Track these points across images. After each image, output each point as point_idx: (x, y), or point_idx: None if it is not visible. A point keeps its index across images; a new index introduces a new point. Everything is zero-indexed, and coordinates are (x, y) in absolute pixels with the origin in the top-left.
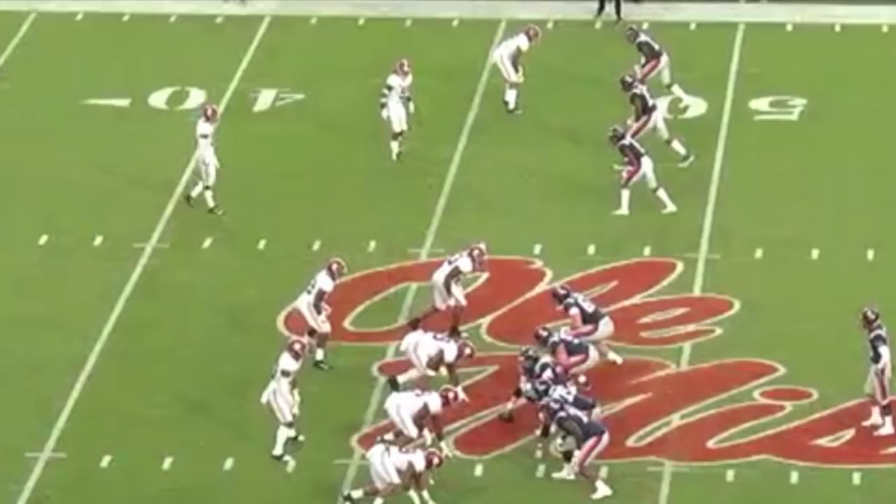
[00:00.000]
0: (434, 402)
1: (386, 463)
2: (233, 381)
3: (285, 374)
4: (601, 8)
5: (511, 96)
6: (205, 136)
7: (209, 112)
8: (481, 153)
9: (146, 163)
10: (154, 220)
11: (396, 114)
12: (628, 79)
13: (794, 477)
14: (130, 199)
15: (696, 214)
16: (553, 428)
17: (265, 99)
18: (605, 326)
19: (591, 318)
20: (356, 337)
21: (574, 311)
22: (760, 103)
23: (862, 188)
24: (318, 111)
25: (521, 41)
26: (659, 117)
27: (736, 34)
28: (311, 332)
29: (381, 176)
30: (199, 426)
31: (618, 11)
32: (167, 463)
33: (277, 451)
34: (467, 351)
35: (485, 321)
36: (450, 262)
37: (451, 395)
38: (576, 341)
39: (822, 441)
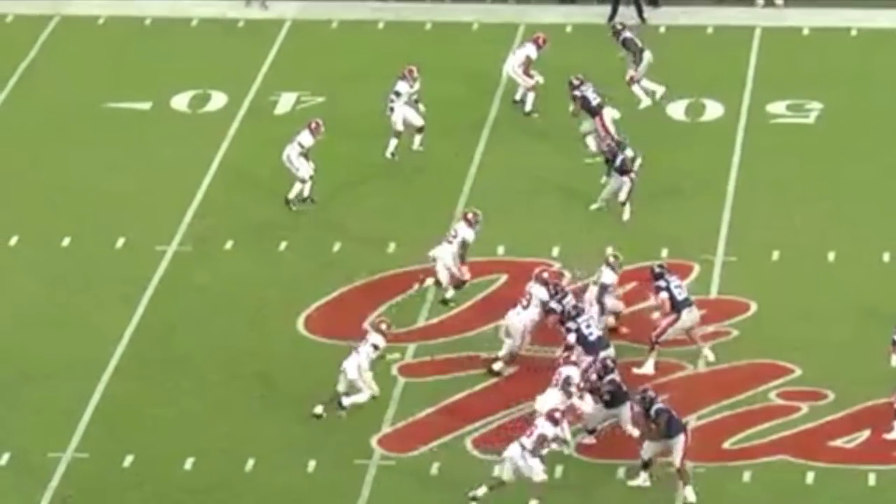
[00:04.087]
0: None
1: (530, 461)
2: (253, 382)
3: (376, 347)
4: (613, 13)
5: (529, 99)
6: (302, 146)
7: (313, 125)
8: (500, 156)
9: (168, 166)
10: (176, 222)
11: (401, 115)
12: (575, 81)
13: (810, 478)
14: (152, 202)
15: (713, 217)
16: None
17: (286, 102)
18: (689, 314)
19: (678, 306)
20: None
21: (663, 295)
22: (777, 107)
23: (878, 191)
24: (338, 114)
25: (530, 50)
26: (608, 114)
27: (753, 38)
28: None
29: (400, 178)
30: (221, 427)
31: (640, 14)
32: (189, 463)
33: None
34: None
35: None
36: (452, 238)
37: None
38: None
39: (838, 442)
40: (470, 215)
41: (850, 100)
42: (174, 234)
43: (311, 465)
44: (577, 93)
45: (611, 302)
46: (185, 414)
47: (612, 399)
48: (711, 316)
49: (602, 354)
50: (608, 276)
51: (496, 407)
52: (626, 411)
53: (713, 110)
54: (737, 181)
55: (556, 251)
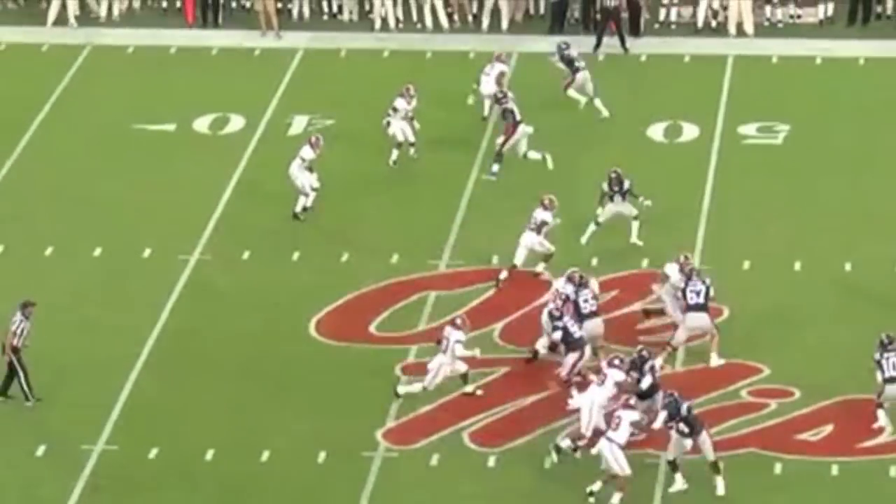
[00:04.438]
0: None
1: (618, 456)
2: (269, 381)
3: (459, 342)
4: (598, 43)
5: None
6: (303, 160)
7: (313, 140)
8: (495, 181)
9: (191, 182)
10: (198, 233)
11: (399, 128)
12: (499, 94)
13: (778, 468)
14: (176, 215)
15: (689, 229)
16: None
17: (299, 124)
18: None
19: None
20: (381, 340)
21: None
22: (748, 129)
23: (840, 206)
24: (346, 135)
25: (502, 67)
26: (522, 131)
27: (725, 66)
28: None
29: (403, 194)
30: (239, 421)
31: (623, 44)
32: (209, 454)
33: (401, 389)
34: None
35: (497, 326)
36: (533, 224)
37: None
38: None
39: (804, 436)
40: (546, 201)
41: (814, 122)
42: (196, 245)
43: (322, 456)
44: (506, 105)
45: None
46: (206, 409)
47: (692, 429)
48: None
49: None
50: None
51: (491, 404)
52: (705, 439)
53: (689, 132)
54: (711, 197)
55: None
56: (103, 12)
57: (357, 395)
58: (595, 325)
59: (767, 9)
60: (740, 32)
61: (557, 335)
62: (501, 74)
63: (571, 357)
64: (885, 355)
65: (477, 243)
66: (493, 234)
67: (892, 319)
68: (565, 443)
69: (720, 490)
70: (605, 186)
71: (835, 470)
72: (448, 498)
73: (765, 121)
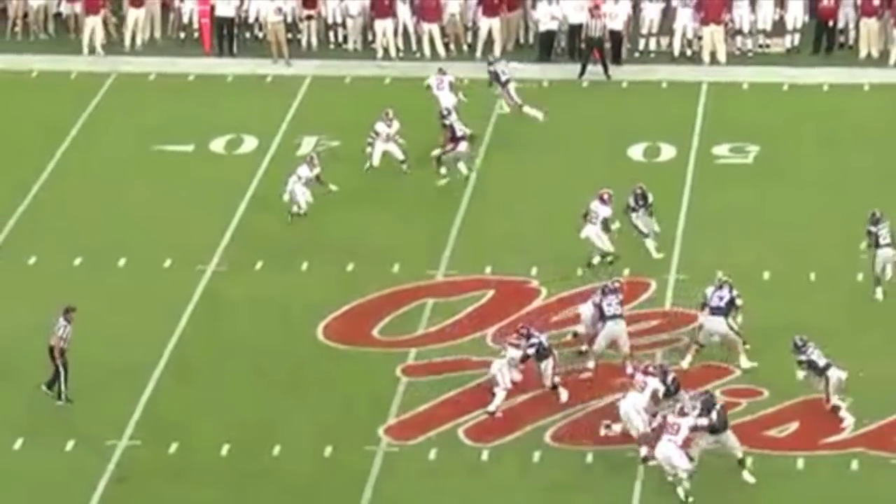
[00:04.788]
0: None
1: (680, 458)
2: (279, 381)
3: (513, 358)
4: (583, 70)
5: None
6: (300, 178)
7: (309, 159)
8: (488, 192)
9: (207, 198)
10: (214, 246)
11: (380, 151)
12: (444, 111)
13: (748, 462)
14: (194, 229)
15: (666, 242)
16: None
17: (307, 144)
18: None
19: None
20: (383, 343)
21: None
22: (721, 149)
23: (805, 220)
24: (350, 155)
25: (449, 78)
26: (463, 146)
27: (700, 91)
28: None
29: (405, 209)
30: (251, 419)
31: (605, 71)
32: (224, 449)
33: (491, 408)
34: None
35: (490, 331)
36: (594, 218)
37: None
38: None
39: (772, 432)
40: (605, 195)
41: (781, 143)
42: (212, 256)
43: (328, 450)
44: (446, 122)
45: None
46: (221, 407)
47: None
48: (665, 326)
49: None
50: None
51: (484, 403)
52: (730, 437)
53: (667, 152)
54: (687, 211)
55: (534, 271)
56: (127, 42)
57: (361, 395)
58: (614, 326)
59: (738, 39)
60: (713, 61)
61: (531, 350)
62: (450, 85)
63: (548, 364)
64: (798, 357)
65: (472, 255)
66: (486, 246)
67: (852, 326)
68: (643, 451)
69: (750, 480)
70: (631, 201)
71: (800, 464)
72: (444, 489)
73: (736, 142)
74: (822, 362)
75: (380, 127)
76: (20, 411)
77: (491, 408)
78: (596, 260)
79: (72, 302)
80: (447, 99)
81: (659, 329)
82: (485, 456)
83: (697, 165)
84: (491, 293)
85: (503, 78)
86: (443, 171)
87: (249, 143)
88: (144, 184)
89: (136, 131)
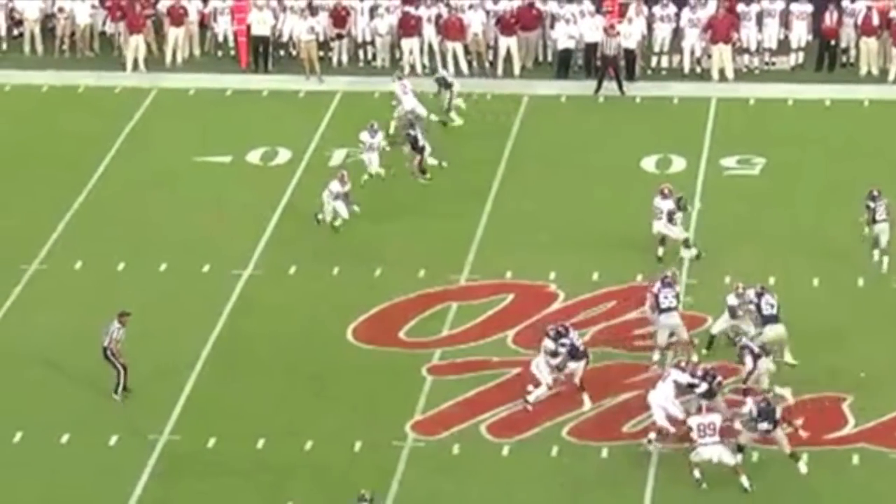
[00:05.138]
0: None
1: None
2: (311, 380)
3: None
4: (599, 86)
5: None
6: (331, 193)
7: (339, 176)
8: (509, 201)
9: (244, 207)
10: (250, 252)
11: (368, 158)
12: (410, 117)
13: (755, 456)
14: (231, 236)
15: (677, 246)
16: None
17: (338, 156)
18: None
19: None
20: (409, 345)
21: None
22: (729, 161)
23: (809, 228)
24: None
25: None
26: (426, 155)
27: (710, 106)
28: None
29: (429, 217)
30: (285, 415)
31: (620, 88)
32: (260, 443)
33: (531, 398)
34: None
35: (511, 332)
36: (660, 214)
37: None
38: None
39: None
40: (665, 190)
41: (786, 156)
42: (248, 261)
43: (357, 445)
44: (409, 132)
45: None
46: (257, 404)
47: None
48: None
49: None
50: (669, 204)
51: (504, 400)
52: (780, 433)
53: (678, 164)
54: (697, 220)
55: (552, 275)
56: (168, 59)
57: (388, 393)
58: (669, 318)
59: (745, 57)
60: (722, 77)
61: (563, 349)
62: (413, 91)
63: (580, 366)
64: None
65: (493, 261)
66: (507, 252)
67: (853, 327)
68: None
69: (803, 470)
70: (674, 206)
71: (805, 458)
72: (467, 482)
73: (743, 154)
74: (756, 350)
75: (363, 136)
76: (67, 407)
77: (530, 398)
78: (687, 254)
79: (115, 304)
80: (410, 103)
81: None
82: (505, 451)
83: (707, 177)
84: (511, 297)
85: (450, 80)
86: (425, 177)
87: (283, 155)
88: (184, 193)
89: (176, 143)
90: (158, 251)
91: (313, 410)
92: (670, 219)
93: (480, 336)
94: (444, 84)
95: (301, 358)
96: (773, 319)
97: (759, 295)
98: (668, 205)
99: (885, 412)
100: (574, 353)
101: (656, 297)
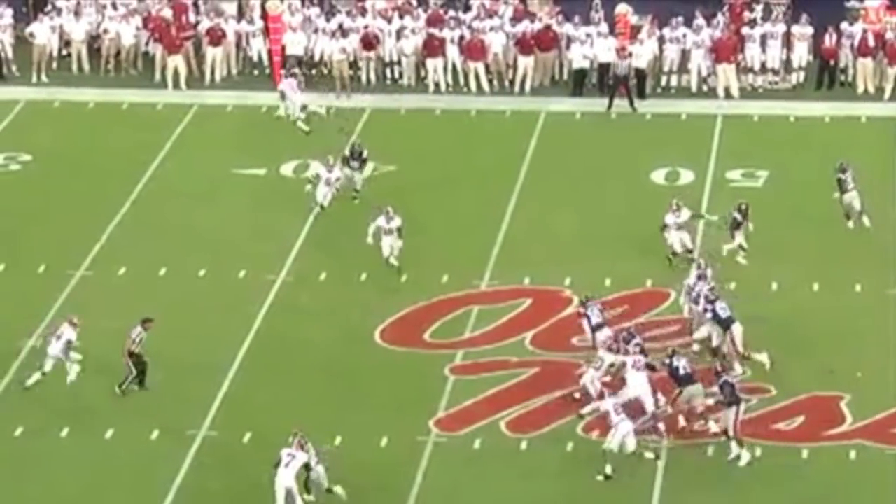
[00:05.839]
0: None
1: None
2: (341, 379)
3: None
4: (610, 104)
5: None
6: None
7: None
8: (526, 211)
9: (277, 216)
10: (283, 258)
11: (322, 193)
12: (358, 148)
13: (758, 452)
14: (266, 243)
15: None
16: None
17: (366, 169)
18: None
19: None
20: (433, 346)
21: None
22: (734, 174)
23: (810, 237)
24: (405, 179)
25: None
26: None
27: (716, 122)
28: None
29: (452, 228)
30: (316, 412)
31: (631, 104)
32: (291, 439)
33: (586, 410)
34: None
35: (528, 335)
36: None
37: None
38: None
39: (779, 426)
40: (674, 205)
41: (788, 169)
42: (282, 268)
43: (384, 441)
44: (355, 148)
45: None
46: (289, 402)
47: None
48: (684, 331)
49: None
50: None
51: (522, 398)
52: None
53: (686, 176)
54: (704, 227)
55: (567, 281)
56: (207, 78)
57: (413, 391)
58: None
59: (750, 76)
60: (727, 95)
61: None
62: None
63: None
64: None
65: (511, 268)
66: (525, 260)
67: (851, 330)
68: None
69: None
70: (738, 216)
71: (805, 454)
72: (487, 475)
73: (748, 167)
74: (724, 314)
75: (321, 170)
76: (110, 405)
77: (584, 410)
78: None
79: (156, 307)
80: (300, 98)
81: (677, 334)
82: (523, 446)
83: (713, 188)
84: (529, 301)
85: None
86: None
87: (315, 168)
88: (222, 203)
89: (214, 156)
90: (197, 257)
91: (343, 408)
92: (691, 220)
93: (500, 338)
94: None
95: (331, 358)
96: (731, 321)
97: (712, 302)
98: (672, 219)
99: (880, 410)
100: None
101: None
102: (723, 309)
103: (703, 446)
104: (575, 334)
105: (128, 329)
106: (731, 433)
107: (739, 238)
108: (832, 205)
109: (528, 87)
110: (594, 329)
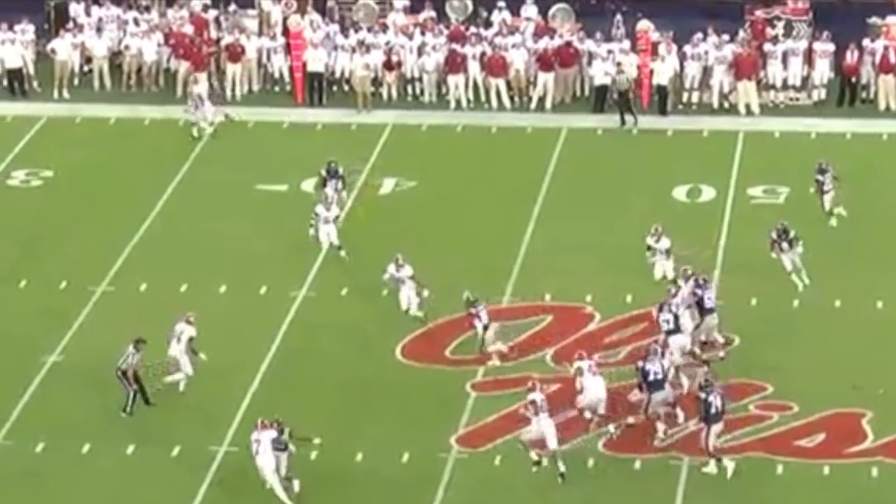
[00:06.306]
0: None
1: None
2: (362, 395)
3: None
4: (623, 121)
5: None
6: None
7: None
8: (547, 227)
9: (299, 232)
10: (305, 274)
11: (325, 232)
12: (332, 163)
13: (780, 469)
14: (288, 260)
15: (707, 271)
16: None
17: (388, 185)
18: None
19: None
20: (454, 362)
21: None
22: (755, 190)
23: (831, 253)
24: (426, 195)
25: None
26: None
27: (737, 139)
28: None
29: (473, 243)
30: (337, 427)
31: (623, 121)
32: (313, 455)
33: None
34: None
35: (550, 351)
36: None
37: None
38: None
39: (801, 442)
40: (653, 229)
41: (809, 186)
42: (303, 284)
43: (405, 456)
44: (331, 166)
45: None
46: (311, 418)
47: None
48: (707, 348)
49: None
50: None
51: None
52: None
53: (707, 193)
54: (725, 245)
55: (589, 297)
56: (228, 94)
57: (434, 407)
58: (713, 320)
59: (771, 93)
60: (748, 112)
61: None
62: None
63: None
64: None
65: (533, 286)
66: (546, 277)
67: (873, 347)
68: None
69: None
70: (774, 235)
71: (826, 470)
72: (507, 490)
73: (769, 184)
74: (708, 304)
75: (319, 209)
76: (132, 421)
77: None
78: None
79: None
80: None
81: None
82: (545, 462)
83: (734, 205)
84: (550, 318)
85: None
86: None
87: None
88: (243, 219)
89: (236, 172)
90: (219, 274)
91: (364, 423)
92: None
93: (521, 354)
94: (201, 100)
95: (352, 374)
96: (711, 312)
97: (701, 287)
98: (651, 243)
99: None
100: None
101: (701, 298)
102: (709, 299)
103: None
104: (597, 350)
105: (156, 342)
106: (708, 449)
107: (785, 260)
108: (852, 222)
109: (548, 104)
110: (485, 328)
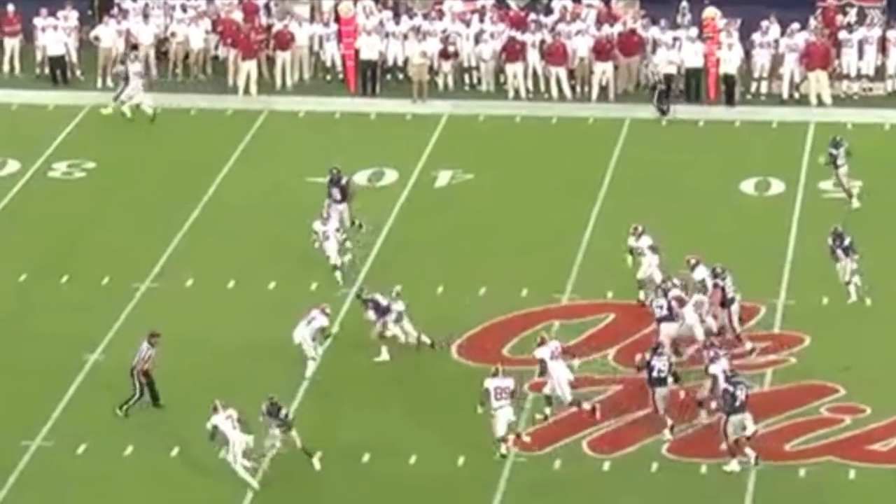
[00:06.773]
0: None
1: None
2: (418, 395)
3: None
4: (664, 113)
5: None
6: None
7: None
8: (610, 222)
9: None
10: (356, 271)
11: (328, 248)
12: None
13: (852, 474)
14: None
15: (776, 268)
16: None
17: (444, 178)
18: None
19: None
20: (512, 361)
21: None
22: (827, 184)
23: None
24: (483, 188)
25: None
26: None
27: (808, 131)
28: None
29: (532, 239)
30: (391, 429)
31: (662, 109)
32: (366, 457)
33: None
34: None
35: (612, 351)
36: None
37: None
38: None
39: (875, 447)
40: (631, 228)
41: (883, 178)
42: (356, 280)
43: (461, 460)
44: (334, 174)
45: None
46: (363, 419)
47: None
48: (774, 347)
49: None
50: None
51: (605, 417)
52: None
53: (777, 187)
54: (795, 240)
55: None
56: (278, 83)
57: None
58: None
59: (844, 83)
60: (820, 103)
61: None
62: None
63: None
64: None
65: (593, 284)
66: (608, 275)
67: None
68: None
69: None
70: (830, 241)
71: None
72: (568, 497)
73: None
74: (729, 294)
75: (316, 225)
76: (176, 423)
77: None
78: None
79: (224, 321)
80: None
81: (768, 350)
82: (606, 466)
83: (805, 199)
84: (612, 316)
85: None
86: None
87: (390, 176)
88: (293, 213)
89: (285, 165)
90: (267, 270)
91: (418, 425)
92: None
93: (582, 354)
94: (125, 78)
95: (407, 373)
96: (732, 302)
97: (721, 276)
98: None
99: None
100: None
101: (723, 290)
102: (729, 289)
103: (795, 468)
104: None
105: (201, 338)
106: (728, 441)
107: (839, 268)
108: None
109: (611, 94)
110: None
